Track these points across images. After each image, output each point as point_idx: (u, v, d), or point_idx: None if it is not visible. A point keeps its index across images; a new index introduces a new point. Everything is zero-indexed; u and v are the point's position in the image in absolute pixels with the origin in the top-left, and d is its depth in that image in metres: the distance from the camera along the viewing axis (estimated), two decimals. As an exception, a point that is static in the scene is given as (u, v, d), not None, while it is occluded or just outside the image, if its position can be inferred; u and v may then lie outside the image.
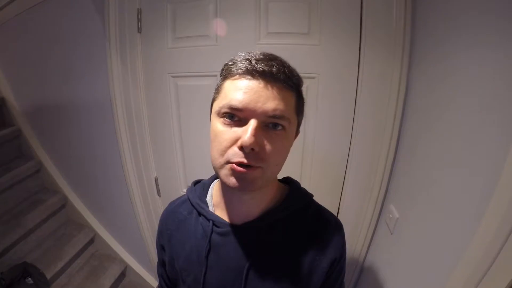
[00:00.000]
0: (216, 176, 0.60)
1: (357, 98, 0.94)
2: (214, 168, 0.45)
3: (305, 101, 0.96)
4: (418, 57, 0.82)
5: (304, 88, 0.96)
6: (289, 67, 0.43)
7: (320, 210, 0.56)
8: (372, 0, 0.85)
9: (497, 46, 0.50)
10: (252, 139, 0.38)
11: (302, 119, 0.50)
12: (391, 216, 0.89)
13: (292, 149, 1.16)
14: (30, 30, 1.34)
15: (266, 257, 0.50)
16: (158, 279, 0.69)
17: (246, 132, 0.39)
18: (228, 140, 0.41)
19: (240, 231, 0.51)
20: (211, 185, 0.59)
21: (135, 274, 1.65)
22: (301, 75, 0.98)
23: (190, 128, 1.18)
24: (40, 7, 1.26)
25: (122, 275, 1.65)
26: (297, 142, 1.04)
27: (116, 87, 1.18)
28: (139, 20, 1.11)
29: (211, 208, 0.55)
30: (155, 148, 1.28)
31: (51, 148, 1.62)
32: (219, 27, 1.00)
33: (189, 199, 0.58)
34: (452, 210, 0.60)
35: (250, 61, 0.41)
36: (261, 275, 0.50)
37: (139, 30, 1.12)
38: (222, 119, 0.42)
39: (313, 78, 0.97)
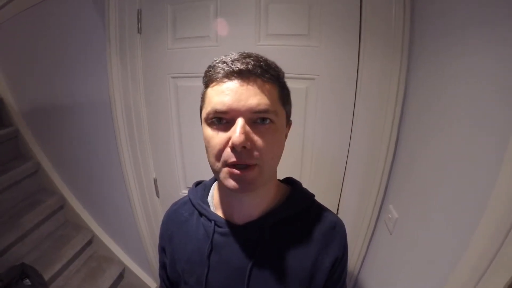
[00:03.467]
0: None
1: (356, 99, 0.95)
2: (213, 173, 0.46)
3: (304, 101, 0.98)
4: (417, 58, 0.83)
5: (303, 89, 0.99)
6: (265, 60, 0.43)
7: (322, 210, 0.57)
8: (372, 3, 0.86)
9: (495, 49, 0.51)
10: (242, 137, 0.39)
11: (290, 108, 0.50)
12: (390, 216, 0.90)
13: (291, 149, 1.16)
14: (29, 30, 1.34)
15: (269, 257, 0.50)
16: (159, 280, 0.69)
17: (235, 132, 0.39)
18: (220, 143, 0.42)
19: (242, 231, 0.51)
20: (212, 186, 0.60)
21: (133, 275, 1.64)
22: (301, 76, 1.00)
23: (190, 129, 1.18)
24: (39, 7, 1.26)
25: (121, 276, 1.64)
26: (297, 143, 1.06)
27: (116, 88, 1.18)
28: (139, 20, 1.11)
29: (212, 209, 0.55)
30: (154, 149, 1.28)
31: (50, 149, 1.61)
32: (220, 25, 1.00)
33: (190, 200, 0.59)
34: (451, 210, 0.61)
35: (226, 63, 0.42)
36: (263, 275, 0.50)
37: (139, 30, 1.12)
38: (211, 125, 0.43)
39: (312, 79, 0.97)
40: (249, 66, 0.41)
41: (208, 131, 0.43)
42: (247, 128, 0.40)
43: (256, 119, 0.42)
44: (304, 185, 0.59)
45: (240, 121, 0.40)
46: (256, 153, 0.41)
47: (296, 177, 0.60)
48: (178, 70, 1.11)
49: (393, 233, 0.89)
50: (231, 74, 0.41)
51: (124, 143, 1.26)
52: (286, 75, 0.48)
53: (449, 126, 0.64)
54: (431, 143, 0.72)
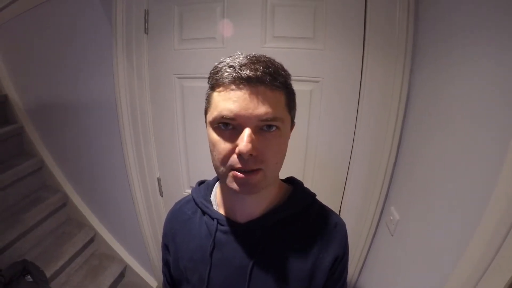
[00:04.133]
0: None
1: (359, 102, 0.96)
2: (218, 175, 0.46)
3: (308, 103, 0.99)
4: (420, 61, 0.84)
5: (308, 92, 1.00)
6: (274, 66, 0.42)
7: (323, 210, 0.57)
8: (376, 7, 0.87)
9: (496, 54, 0.52)
10: (249, 146, 0.39)
11: (295, 112, 0.50)
12: (391, 218, 0.91)
13: (295, 151, 1.17)
14: (35, 29, 1.35)
15: (270, 255, 0.51)
16: (162, 277, 0.69)
17: (242, 140, 0.40)
18: (226, 149, 0.42)
19: (244, 229, 0.52)
20: (215, 185, 0.60)
21: (134, 274, 1.64)
22: (306, 78, 1.01)
23: (194, 129, 1.19)
24: (45, 6, 1.27)
25: (122, 275, 1.65)
26: (300, 144, 1.07)
27: (122, 87, 1.19)
28: (146, 21, 1.13)
29: (215, 207, 0.56)
30: (159, 148, 1.29)
31: (53, 146, 1.62)
32: (226, 28, 1.02)
33: (193, 199, 0.59)
34: (451, 212, 0.62)
35: (234, 68, 0.41)
36: (264, 273, 0.50)
37: (146, 31, 1.14)
38: (217, 129, 0.43)
39: (317, 82, 0.98)
40: (258, 73, 0.40)
41: (214, 135, 0.43)
42: (254, 136, 0.41)
43: (263, 126, 0.42)
44: (307, 186, 0.59)
45: (247, 131, 0.40)
46: (261, 159, 0.42)
47: (299, 178, 0.60)
48: (184, 70, 1.12)
49: (394, 234, 0.89)
50: (239, 81, 0.40)
51: (129, 142, 1.27)
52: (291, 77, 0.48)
53: (450, 128, 0.65)
54: (432, 146, 0.73)
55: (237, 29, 1.02)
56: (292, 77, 0.48)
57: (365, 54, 0.92)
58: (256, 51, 0.47)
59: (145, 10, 1.12)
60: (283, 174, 0.57)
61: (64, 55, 1.32)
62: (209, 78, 0.46)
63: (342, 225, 0.56)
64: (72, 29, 1.26)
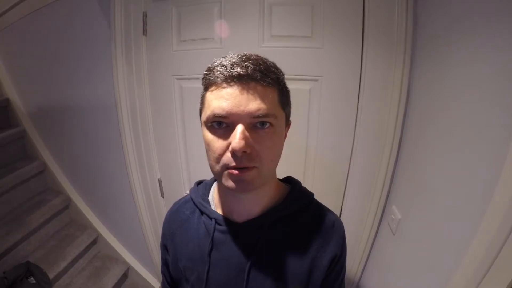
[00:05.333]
0: None
1: (359, 100, 0.96)
2: (214, 175, 0.47)
3: (307, 102, 0.99)
4: (419, 59, 0.83)
5: (307, 90, 0.99)
6: (265, 63, 0.43)
7: (321, 209, 0.57)
8: (374, 4, 0.87)
9: (496, 47, 0.51)
10: (242, 143, 0.39)
11: (290, 109, 0.50)
12: (393, 217, 0.90)
13: (294, 150, 1.16)
14: (36, 32, 1.36)
15: (268, 255, 0.51)
16: (161, 278, 0.70)
17: (235, 137, 0.40)
18: (220, 148, 0.42)
19: (242, 229, 0.52)
20: (213, 185, 0.60)
21: (137, 275, 1.65)
22: (304, 77, 1.00)
23: (194, 129, 1.19)
24: (45, 10, 1.28)
25: (125, 276, 1.66)
26: (300, 144, 1.06)
27: (121, 89, 1.19)
28: (144, 23, 1.13)
29: (213, 207, 0.56)
30: (159, 149, 1.29)
31: (55, 149, 1.63)
32: (223, 29, 1.02)
33: (191, 199, 0.60)
34: (453, 211, 0.61)
35: (225, 66, 0.41)
36: (263, 272, 0.50)
37: (145, 32, 1.14)
38: (211, 128, 0.44)
39: (316, 80, 0.98)
40: (249, 71, 0.41)
41: (208, 134, 0.44)
42: (247, 133, 0.41)
43: (256, 123, 0.42)
44: (307, 187, 0.59)
45: (239, 127, 0.40)
46: (255, 156, 0.42)
47: (299, 178, 0.60)
48: (183, 71, 1.12)
49: (396, 233, 0.89)
50: (230, 79, 0.41)
51: (130, 144, 1.27)
52: (289, 76, 0.48)
53: (451, 127, 0.64)
54: (434, 143, 0.72)
55: (235, 29, 1.01)
56: (290, 76, 0.48)
57: (364, 52, 0.91)
58: (254, 50, 0.47)
59: (144, 12, 1.12)
60: (283, 174, 0.57)
61: (64, 58, 1.34)
62: (202, 79, 0.46)
63: (340, 224, 0.56)
64: (72, 32, 1.27)
